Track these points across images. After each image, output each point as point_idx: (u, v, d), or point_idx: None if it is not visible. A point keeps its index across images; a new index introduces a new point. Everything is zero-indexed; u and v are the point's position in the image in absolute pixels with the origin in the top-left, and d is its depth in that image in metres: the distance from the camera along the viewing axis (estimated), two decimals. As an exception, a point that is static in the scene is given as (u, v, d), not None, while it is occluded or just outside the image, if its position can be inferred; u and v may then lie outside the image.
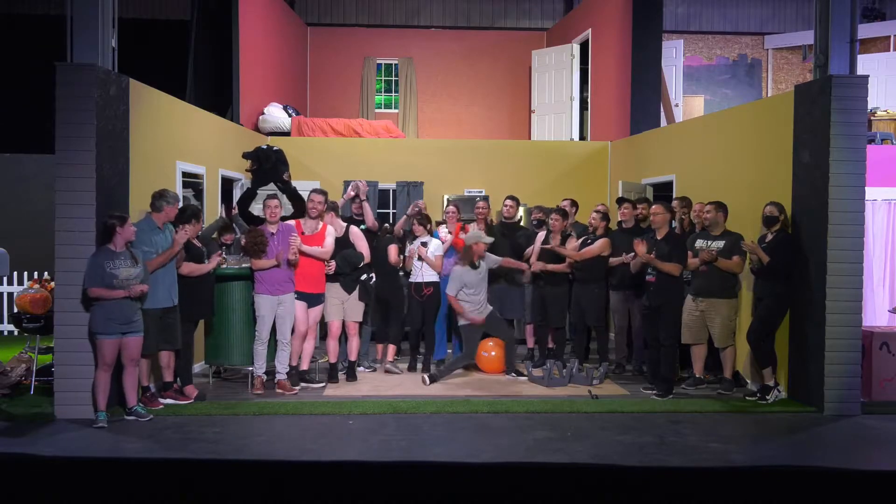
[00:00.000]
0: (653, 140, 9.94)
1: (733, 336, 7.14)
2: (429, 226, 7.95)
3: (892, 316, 7.74)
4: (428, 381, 7.32)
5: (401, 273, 7.95)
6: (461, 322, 7.51)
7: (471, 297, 7.43)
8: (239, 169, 9.39)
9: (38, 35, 10.93)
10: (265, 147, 8.05)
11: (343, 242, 7.37)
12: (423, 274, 7.78)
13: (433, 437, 5.79)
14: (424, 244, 7.78)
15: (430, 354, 7.92)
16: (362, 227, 7.86)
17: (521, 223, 9.11)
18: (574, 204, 8.70)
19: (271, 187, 7.85)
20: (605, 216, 7.88)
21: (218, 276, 6.98)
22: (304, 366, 7.29)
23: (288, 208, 7.77)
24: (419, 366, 7.92)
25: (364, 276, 7.44)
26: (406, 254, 7.84)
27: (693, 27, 15.06)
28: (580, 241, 7.86)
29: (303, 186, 8.21)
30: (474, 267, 7.43)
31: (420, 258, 7.72)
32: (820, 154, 6.43)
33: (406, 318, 8.03)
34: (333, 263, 7.21)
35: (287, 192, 7.75)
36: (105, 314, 5.78)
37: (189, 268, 6.58)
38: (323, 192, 7.39)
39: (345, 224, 7.55)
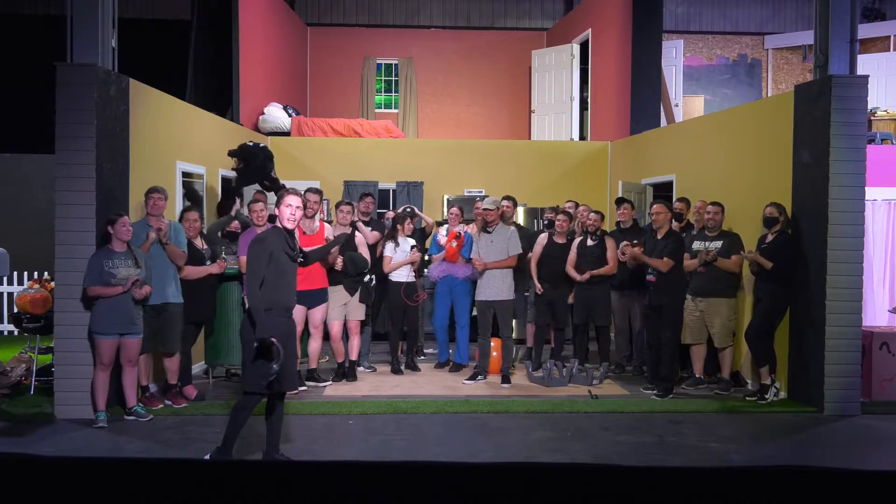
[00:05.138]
0: (653, 140, 9.94)
1: (732, 336, 7.14)
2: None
3: (892, 316, 7.74)
4: (508, 384, 7.32)
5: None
6: (477, 297, 7.46)
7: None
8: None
9: (38, 35, 10.94)
10: (251, 144, 7.99)
11: (349, 245, 7.39)
12: (411, 275, 7.86)
13: (433, 437, 5.79)
14: (415, 247, 7.83)
15: (413, 355, 8.14)
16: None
17: (522, 223, 9.11)
18: (577, 206, 8.70)
19: (256, 186, 7.84)
20: (603, 216, 7.89)
21: (217, 275, 6.97)
22: (312, 364, 7.31)
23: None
24: (402, 367, 7.95)
25: (366, 279, 7.47)
26: (389, 254, 7.86)
27: (693, 27, 15.06)
28: (578, 241, 7.85)
29: (302, 186, 8.20)
30: (487, 231, 7.37)
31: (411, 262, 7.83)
32: (820, 154, 6.43)
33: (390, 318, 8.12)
34: (341, 260, 7.22)
35: (276, 191, 7.72)
36: (105, 314, 5.78)
37: (187, 271, 6.55)
38: (318, 192, 7.40)
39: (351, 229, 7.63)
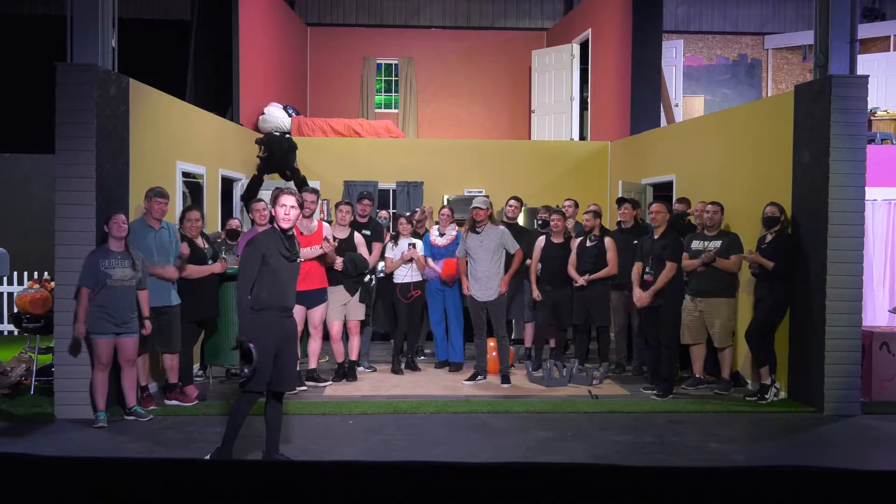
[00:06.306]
0: (653, 140, 9.94)
1: (732, 336, 7.14)
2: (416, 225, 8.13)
3: (892, 316, 7.74)
4: (508, 384, 7.28)
5: (380, 274, 7.95)
6: (469, 298, 7.42)
7: (472, 268, 7.35)
8: (239, 169, 9.39)
9: (38, 35, 10.93)
10: (277, 133, 8.01)
11: (348, 245, 7.39)
12: (410, 274, 7.83)
13: (433, 437, 5.78)
14: (413, 245, 7.80)
15: (413, 355, 8.13)
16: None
17: (522, 223, 9.10)
18: (576, 205, 8.70)
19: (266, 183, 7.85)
20: (598, 215, 7.86)
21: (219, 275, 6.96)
22: (312, 364, 7.31)
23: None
24: (403, 368, 7.93)
25: (366, 279, 7.47)
26: (389, 255, 7.86)
27: (693, 27, 15.07)
28: (578, 241, 7.85)
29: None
30: (475, 232, 7.32)
31: (411, 260, 7.79)
32: (820, 154, 6.43)
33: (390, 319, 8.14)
34: (340, 261, 7.21)
35: (296, 181, 7.75)
36: (100, 314, 5.77)
37: (190, 270, 6.54)
38: (315, 192, 7.43)
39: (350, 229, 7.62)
